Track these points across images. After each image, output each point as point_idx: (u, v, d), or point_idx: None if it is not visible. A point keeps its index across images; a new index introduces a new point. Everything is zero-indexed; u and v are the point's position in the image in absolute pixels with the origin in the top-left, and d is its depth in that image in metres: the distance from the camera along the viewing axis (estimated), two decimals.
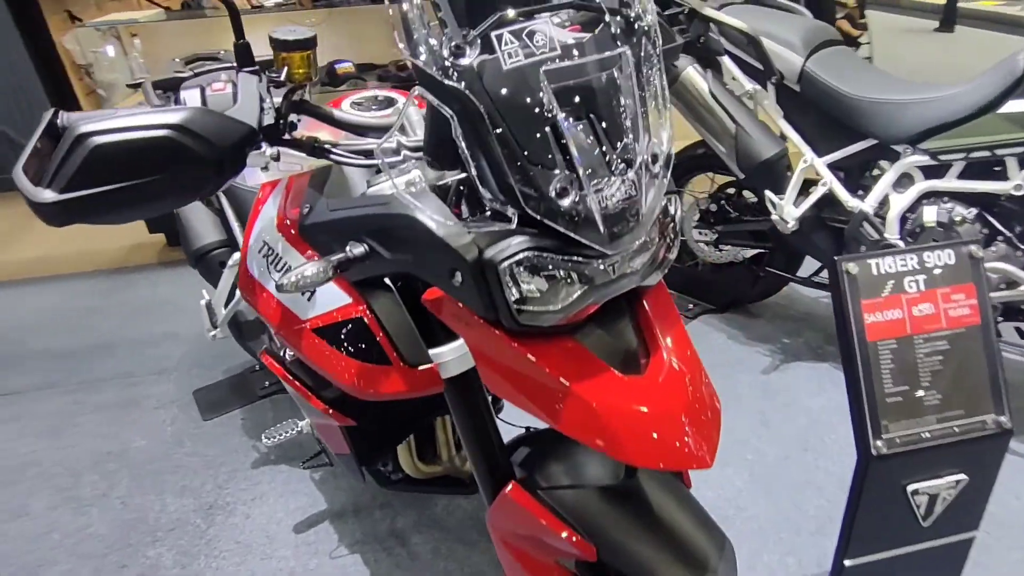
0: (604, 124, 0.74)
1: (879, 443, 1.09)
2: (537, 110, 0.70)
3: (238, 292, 1.32)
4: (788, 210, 2.02)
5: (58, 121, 0.77)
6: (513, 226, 0.73)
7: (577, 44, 0.74)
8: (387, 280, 0.96)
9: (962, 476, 1.13)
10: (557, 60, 0.72)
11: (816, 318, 2.44)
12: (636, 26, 0.79)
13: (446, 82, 0.69)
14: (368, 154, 0.91)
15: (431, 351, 0.89)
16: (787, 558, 1.58)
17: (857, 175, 1.98)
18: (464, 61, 0.69)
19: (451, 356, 0.88)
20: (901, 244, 1.84)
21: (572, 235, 0.72)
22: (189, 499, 1.82)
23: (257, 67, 0.93)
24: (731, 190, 2.36)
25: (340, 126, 0.95)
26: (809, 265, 2.27)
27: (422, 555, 1.62)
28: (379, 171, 0.91)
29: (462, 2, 0.74)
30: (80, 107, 3.67)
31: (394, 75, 3.32)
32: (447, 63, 0.69)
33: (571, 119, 0.72)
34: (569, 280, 0.75)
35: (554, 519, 0.88)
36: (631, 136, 0.76)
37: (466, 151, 0.72)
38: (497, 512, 0.96)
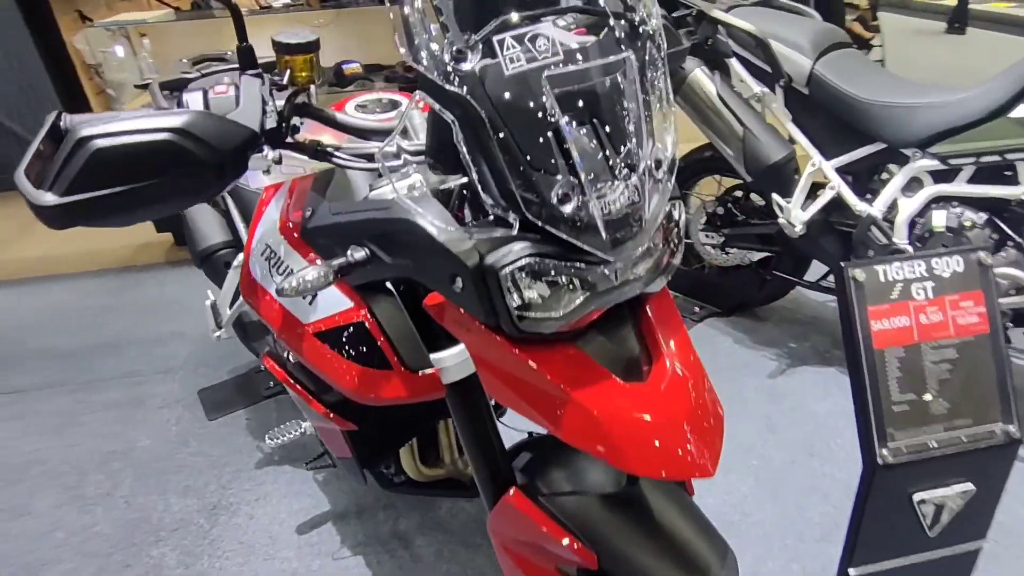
0: (607, 129, 0.74)
1: (885, 452, 1.07)
2: (539, 116, 0.70)
3: None
4: (795, 214, 2.00)
5: (61, 123, 0.77)
6: (515, 232, 0.72)
7: (580, 49, 0.73)
8: (389, 284, 0.95)
9: (969, 486, 1.11)
10: (560, 65, 0.71)
11: (823, 322, 2.42)
12: (641, 30, 0.79)
13: (447, 87, 0.69)
14: (370, 157, 0.91)
15: (432, 356, 0.88)
16: (792, 564, 1.56)
17: (865, 179, 1.96)
18: (466, 66, 0.69)
19: (452, 361, 0.88)
20: (910, 249, 1.82)
21: (574, 241, 0.72)
22: (193, 499, 1.83)
23: (260, 70, 0.93)
24: (738, 193, 2.34)
25: (343, 129, 0.95)
26: (816, 269, 2.25)
27: (425, 557, 1.62)
28: (381, 175, 0.91)
29: (465, 6, 0.73)
30: (90, 106, 3.69)
31: (401, 76, 3.33)
32: (448, 68, 0.69)
33: (574, 124, 0.72)
34: (571, 286, 0.75)
35: (555, 526, 0.88)
36: (634, 141, 0.75)
37: (467, 156, 0.71)
38: (498, 518, 0.95)
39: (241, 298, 1.66)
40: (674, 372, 0.80)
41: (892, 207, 1.86)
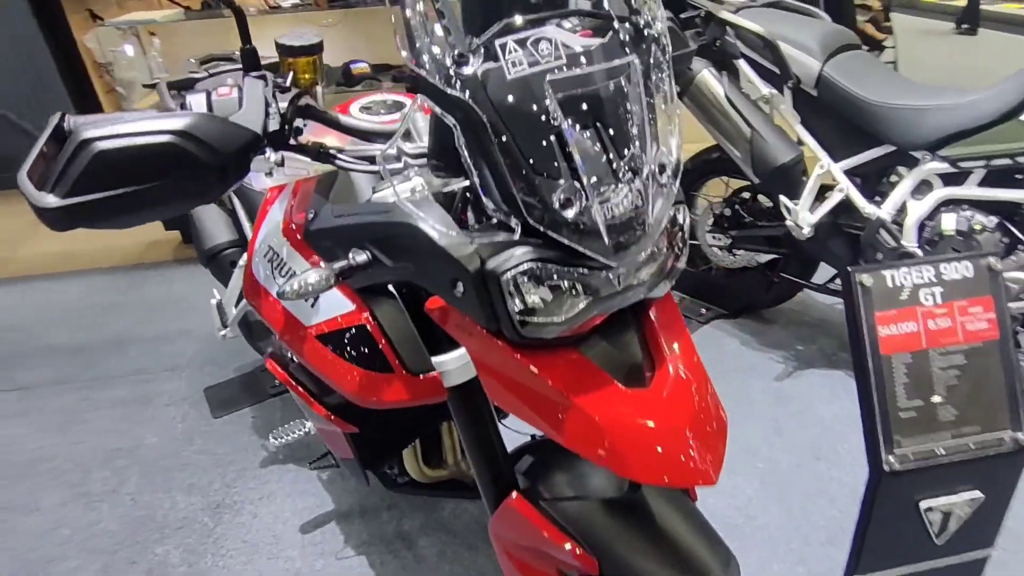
0: (611, 133, 0.73)
1: (891, 459, 1.06)
2: (541, 120, 0.69)
3: None
4: (803, 216, 1.99)
5: (64, 125, 0.77)
6: (517, 236, 0.72)
7: (584, 52, 0.73)
8: (391, 287, 0.95)
9: (977, 494, 1.10)
10: (563, 69, 0.71)
11: (831, 325, 2.41)
12: (646, 33, 0.78)
13: (448, 91, 0.68)
14: (373, 160, 0.91)
15: (434, 359, 0.88)
16: (797, 568, 1.55)
17: (874, 181, 1.95)
18: (467, 70, 0.68)
19: (454, 365, 0.87)
20: (919, 252, 1.81)
21: (576, 247, 0.71)
22: (197, 497, 1.83)
23: (263, 72, 0.93)
24: (746, 195, 2.33)
25: (345, 131, 0.94)
26: (824, 271, 2.24)
27: (428, 558, 1.62)
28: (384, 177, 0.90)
29: (471, 8, 0.73)
30: (100, 104, 3.72)
31: (409, 76, 3.33)
32: (450, 72, 0.68)
33: (577, 129, 0.71)
34: (574, 291, 0.74)
35: (556, 531, 0.87)
36: (638, 146, 0.74)
37: (469, 160, 0.71)
38: (499, 522, 0.95)
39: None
40: (677, 378, 0.79)
41: (901, 210, 1.84)
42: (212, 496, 1.83)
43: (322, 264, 0.79)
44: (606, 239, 0.72)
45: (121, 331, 2.66)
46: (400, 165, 0.83)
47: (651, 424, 0.74)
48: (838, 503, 1.70)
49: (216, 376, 2.31)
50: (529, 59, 0.70)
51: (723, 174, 2.35)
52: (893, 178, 1.92)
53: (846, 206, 1.94)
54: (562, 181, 0.70)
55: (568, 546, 0.86)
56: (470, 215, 0.85)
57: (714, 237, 2.42)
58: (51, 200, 0.70)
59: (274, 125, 0.84)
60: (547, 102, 0.69)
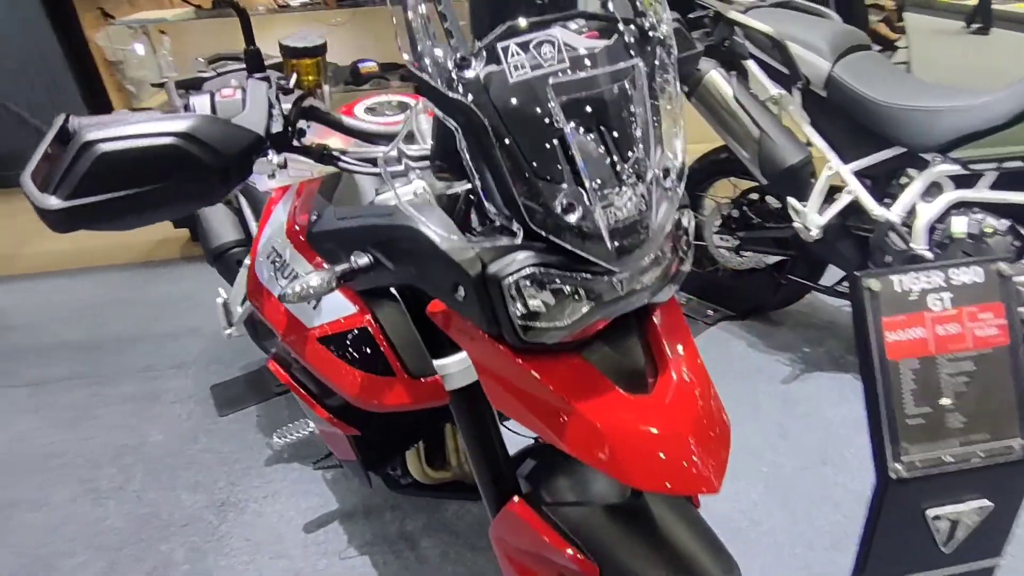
0: (615, 135, 0.72)
1: (898, 466, 1.05)
2: (544, 124, 0.69)
3: None
4: (812, 218, 1.97)
5: (69, 126, 0.77)
6: (519, 240, 0.71)
7: (587, 55, 0.72)
8: (393, 290, 0.95)
9: (985, 502, 1.09)
10: (566, 72, 0.70)
11: (839, 327, 2.39)
12: (651, 35, 0.77)
13: (450, 94, 0.68)
14: (376, 162, 0.90)
15: (436, 362, 0.88)
16: (801, 573, 1.54)
17: (884, 183, 1.93)
18: (469, 73, 0.68)
19: (456, 368, 0.87)
20: (928, 255, 1.79)
21: (578, 251, 0.70)
22: (202, 495, 1.84)
23: (267, 73, 0.93)
24: (754, 196, 2.31)
25: (349, 133, 0.94)
26: (832, 273, 2.22)
27: (431, 559, 1.62)
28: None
29: (476, 11, 0.73)
30: (110, 102, 3.74)
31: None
32: (452, 75, 0.68)
33: (580, 132, 0.71)
34: (576, 296, 0.74)
35: (557, 536, 0.87)
36: (642, 149, 0.74)
37: (470, 164, 0.70)
38: (500, 526, 0.95)
39: None
40: (680, 384, 0.78)
41: (911, 212, 1.82)
42: (217, 494, 1.84)
43: (324, 266, 0.79)
44: (609, 244, 0.71)
45: (130, 328, 2.68)
46: (401, 168, 0.82)
47: (653, 431, 0.73)
48: (844, 508, 1.69)
49: (222, 374, 2.32)
50: (532, 62, 0.69)
51: (731, 175, 2.33)
52: (903, 180, 1.90)
53: (855, 208, 1.93)
54: (564, 185, 0.70)
55: (569, 551, 0.86)
56: (474, 218, 0.85)
57: (721, 238, 2.41)
58: (54, 202, 0.71)
59: (277, 127, 0.84)
60: (550, 105, 0.69)
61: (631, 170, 0.73)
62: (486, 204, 0.71)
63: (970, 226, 1.73)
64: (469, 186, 0.76)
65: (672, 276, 0.81)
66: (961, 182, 1.75)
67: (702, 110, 2.08)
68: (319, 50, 0.95)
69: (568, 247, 0.70)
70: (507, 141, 0.68)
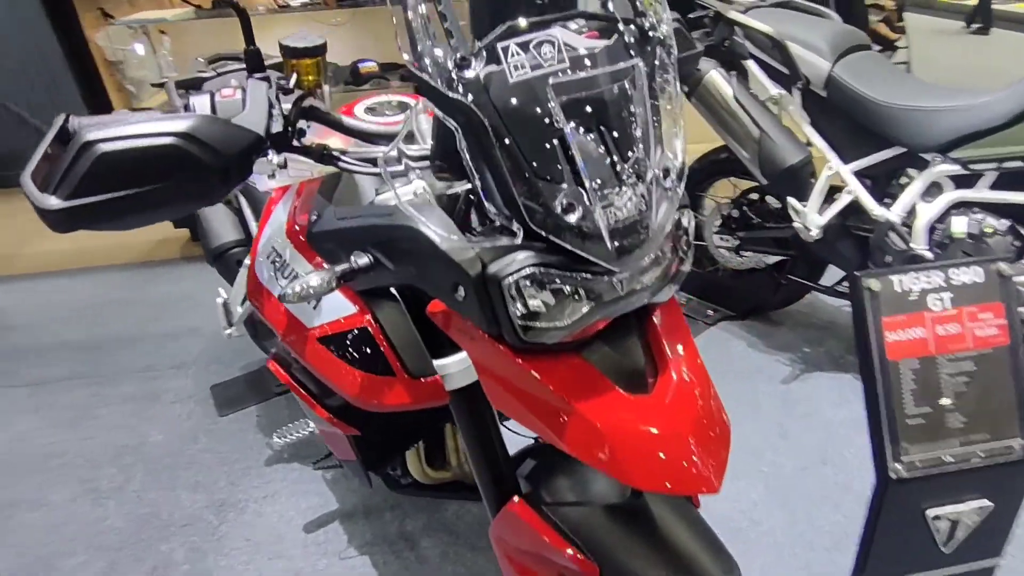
0: (615, 135, 0.72)
1: (898, 466, 1.05)
2: (544, 124, 0.69)
3: None
4: (812, 218, 1.97)
5: (69, 126, 0.77)
6: (519, 240, 0.71)
7: (587, 55, 0.72)
8: (393, 290, 0.95)
9: (986, 502, 1.09)
10: (566, 72, 0.70)
11: (839, 327, 2.39)
12: (651, 35, 0.77)
13: (450, 94, 0.68)
14: (376, 162, 0.90)
15: (436, 362, 0.88)
16: (801, 573, 1.54)
17: (884, 183, 1.93)
18: (469, 73, 0.68)
19: (456, 368, 0.87)
20: (928, 255, 1.79)
21: (578, 252, 0.70)
22: (202, 495, 1.84)
23: (267, 73, 0.93)
24: (754, 196, 2.31)
25: (349, 133, 0.94)
26: (832, 273, 2.22)
27: (431, 559, 1.62)
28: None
29: (477, 10, 0.73)
30: (110, 102, 3.74)
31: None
32: (452, 75, 0.68)
33: (580, 132, 0.71)
34: (576, 296, 0.74)
35: (557, 536, 0.87)
36: (641, 149, 0.74)
37: (470, 164, 0.70)
38: (500, 526, 0.95)
39: None
40: (680, 384, 0.78)
41: (911, 212, 1.82)
42: (217, 494, 1.84)
43: (324, 266, 0.79)
44: (609, 244, 0.71)
45: (130, 328, 2.68)
46: (401, 168, 0.82)
47: (653, 431, 0.73)
48: (844, 508, 1.69)
49: (222, 374, 2.32)
50: (532, 62, 0.69)
51: (731, 175, 2.33)
52: (903, 180, 1.90)
53: (855, 208, 1.93)
54: (564, 185, 0.70)
55: (569, 552, 0.86)
56: (474, 218, 0.85)
57: (721, 238, 2.41)
58: (54, 202, 0.71)
59: (277, 127, 0.84)
60: (550, 105, 0.69)
61: (631, 170, 0.73)
62: (486, 204, 0.71)
63: (970, 226, 1.73)
64: (469, 186, 0.76)
65: (672, 276, 0.81)
66: (961, 182, 1.75)
67: (702, 110, 2.08)
68: (319, 50, 0.95)
69: (568, 247, 0.70)
70: (507, 141, 0.68)
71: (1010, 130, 1.63)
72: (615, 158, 0.72)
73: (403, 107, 1.20)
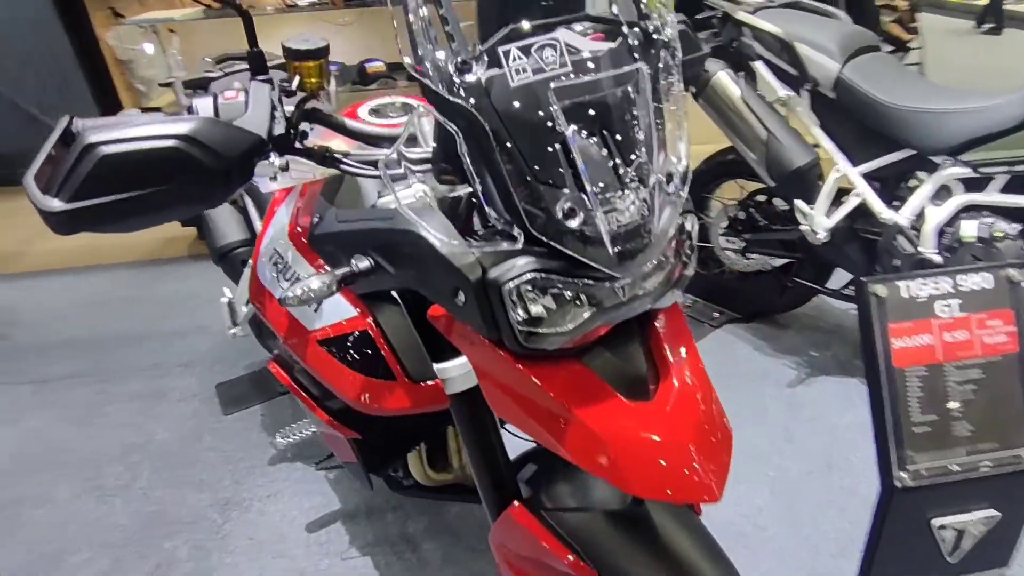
0: (617, 139, 0.72)
1: (904, 475, 1.04)
2: (545, 128, 0.68)
3: None
4: (819, 220, 1.96)
5: (72, 128, 0.77)
6: (519, 245, 0.71)
7: (590, 59, 0.71)
8: (394, 293, 0.95)
9: (992, 512, 1.07)
10: (568, 76, 0.70)
11: (845, 331, 2.37)
12: (655, 38, 0.76)
13: (451, 98, 0.67)
14: (377, 164, 0.90)
15: (436, 366, 0.87)
16: None
17: (893, 186, 1.91)
18: (470, 77, 0.67)
19: (457, 372, 0.87)
20: (937, 259, 1.77)
21: (579, 257, 0.70)
22: (207, 493, 1.85)
23: (270, 75, 0.93)
24: (761, 198, 2.30)
25: (351, 135, 0.94)
26: (839, 276, 2.20)
27: (432, 561, 1.62)
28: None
29: (484, 13, 0.72)
30: (120, 102, 3.76)
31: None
32: (453, 78, 0.67)
33: (582, 136, 0.70)
34: (578, 302, 0.73)
35: (556, 542, 0.86)
36: (644, 153, 0.73)
37: (471, 168, 0.70)
38: (500, 530, 0.94)
39: None
40: (681, 391, 0.78)
41: (920, 216, 1.80)
42: (221, 493, 1.84)
43: (325, 269, 0.79)
44: (610, 249, 0.70)
45: (136, 326, 2.69)
46: (402, 171, 0.82)
47: (655, 438, 0.73)
48: (849, 514, 1.68)
49: (227, 373, 2.33)
50: (533, 66, 0.69)
51: (738, 176, 2.32)
52: (912, 183, 1.89)
53: (863, 211, 1.91)
54: (566, 190, 0.69)
55: (569, 558, 0.85)
56: (476, 221, 0.84)
57: (728, 240, 2.39)
58: (56, 204, 0.71)
59: (279, 129, 0.84)
60: (551, 109, 0.68)
61: (634, 174, 0.72)
62: (487, 208, 0.71)
63: (980, 230, 1.71)
64: (470, 190, 0.76)
65: (675, 281, 0.80)
66: (971, 185, 1.73)
67: (710, 111, 2.07)
68: (322, 52, 0.94)
69: (569, 252, 0.70)
70: (508, 145, 0.68)
71: (1021, 133, 1.61)
72: (617, 162, 0.72)
73: (407, 109, 1.20)
